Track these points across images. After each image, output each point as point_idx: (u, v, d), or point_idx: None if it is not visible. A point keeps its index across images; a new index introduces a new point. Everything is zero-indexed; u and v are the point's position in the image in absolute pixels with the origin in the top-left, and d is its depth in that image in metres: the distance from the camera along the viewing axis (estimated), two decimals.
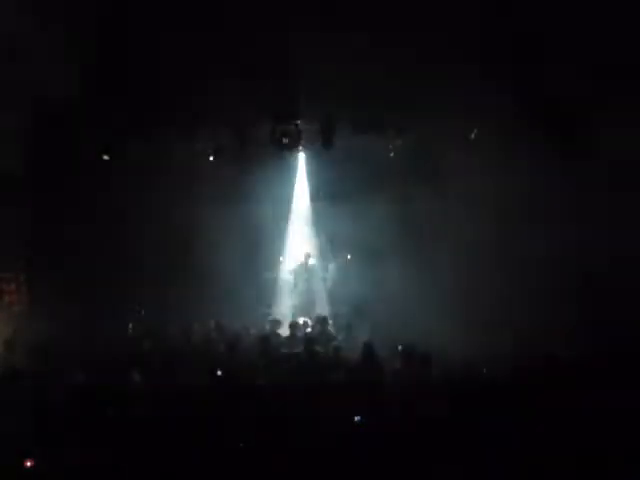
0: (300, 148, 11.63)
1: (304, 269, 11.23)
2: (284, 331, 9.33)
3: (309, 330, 8.94)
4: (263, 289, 11.45)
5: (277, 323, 9.41)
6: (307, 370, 6.92)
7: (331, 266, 11.72)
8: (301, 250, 11.43)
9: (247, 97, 9.55)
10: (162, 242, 10.65)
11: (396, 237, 10.59)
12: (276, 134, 10.53)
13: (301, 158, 11.87)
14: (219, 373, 6.57)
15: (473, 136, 10.58)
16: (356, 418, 5.31)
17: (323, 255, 11.77)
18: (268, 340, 8.22)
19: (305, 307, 11.05)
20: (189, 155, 10.92)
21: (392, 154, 11.26)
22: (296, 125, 10.27)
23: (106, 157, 10.62)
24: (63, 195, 10.23)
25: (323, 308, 10.89)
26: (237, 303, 10.43)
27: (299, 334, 8.93)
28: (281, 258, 11.79)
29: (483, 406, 5.33)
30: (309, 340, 8.25)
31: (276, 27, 8.90)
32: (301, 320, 10.01)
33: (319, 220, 11.79)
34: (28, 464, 4.78)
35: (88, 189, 10.45)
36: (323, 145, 10.42)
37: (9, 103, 8.69)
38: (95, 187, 10.53)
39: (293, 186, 11.94)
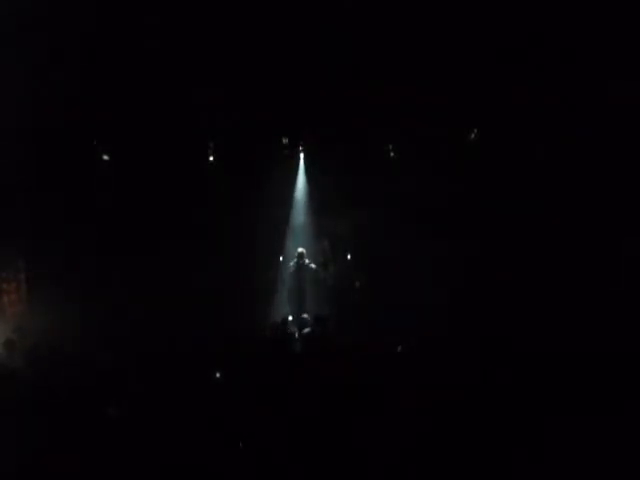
0: (300, 148, 11.68)
1: (298, 269, 11.20)
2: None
3: (307, 330, 8.91)
4: (262, 289, 11.43)
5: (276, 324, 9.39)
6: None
7: (331, 265, 11.71)
8: (297, 250, 11.39)
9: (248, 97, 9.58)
10: (163, 242, 10.63)
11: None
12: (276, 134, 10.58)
13: (301, 158, 11.88)
14: (218, 375, 6.57)
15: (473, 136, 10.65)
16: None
17: (323, 255, 11.75)
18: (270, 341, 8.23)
19: (299, 307, 11.04)
20: (187, 155, 10.91)
21: (392, 154, 11.30)
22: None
23: (106, 157, 10.66)
24: (63, 195, 10.22)
25: (320, 308, 10.87)
26: (236, 303, 10.43)
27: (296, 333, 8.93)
28: (281, 258, 11.78)
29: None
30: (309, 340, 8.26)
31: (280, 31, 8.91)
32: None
33: (319, 220, 11.77)
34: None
35: (88, 189, 10.46)
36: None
37: (9, 103, 8.69)
38: (95, 187, 10.54)
39: (293, 185, 11.93)
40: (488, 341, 7.33)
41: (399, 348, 7.43)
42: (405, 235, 10.57)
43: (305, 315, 10.40)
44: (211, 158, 11.14)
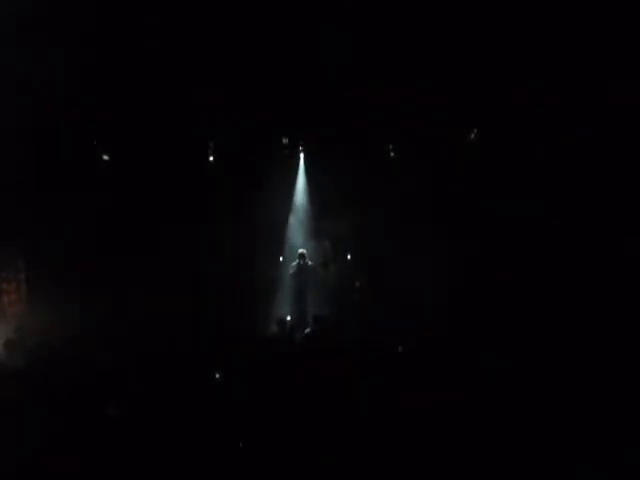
0: (300, 148, 11.69)
1: (300, 269, 11.21)
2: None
3: (308, 330, 8.94)
4: (262, 289, 11.43)
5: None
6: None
7: (331, 265, 11.72)
8: (299, 250, 11.39)
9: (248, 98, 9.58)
10: (163, 242, 10.63)
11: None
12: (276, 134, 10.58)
13: (301, 158, 11.89)
14: (217, 376, 6.56)
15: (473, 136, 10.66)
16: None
17: (323, 255, 11.76)
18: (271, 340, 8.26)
19: (300, 307, 11.04)
20: (187, 155, 10.91)
21: (392, 154, 11.31)
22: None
23: (106, 157, 10.67)
24: (63, 195, 10.22)
25: (321, 308, 10.89)
26: (236, 303, 10.44)
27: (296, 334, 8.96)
28: (281, 258, 11.79)
29: None
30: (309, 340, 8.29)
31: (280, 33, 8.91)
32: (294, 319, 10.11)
33: (319, 220, 11.78)
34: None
35: (88, 189, 10.46)
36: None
37: (9, 102, 8.69)
38: (95, 187, 10.54)
39: (293, 186, 11.94)
40: (488, 341, 7.33)
41: (400, 348, 7.43)
42: (405, 235, 10.58)
43: (306, 315, 10.45)
44: (211, 158, 11.15)
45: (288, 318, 10.14)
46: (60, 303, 9.54)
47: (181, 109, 9.78)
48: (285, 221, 11.84)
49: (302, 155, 11.82)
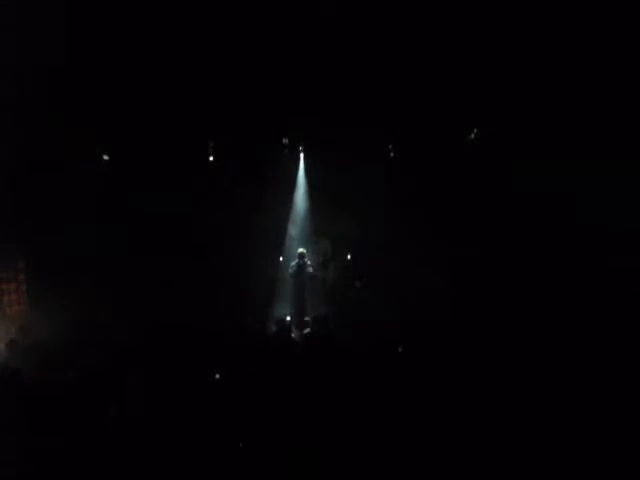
0: (300, 148, 11.70)
1: (299, 269, 11.21)
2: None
3: (307, 330, 8.94)
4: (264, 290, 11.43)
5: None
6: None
7: (331, 265, 11.73)
8: (299, 250, 11.40)
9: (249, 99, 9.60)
10: (163, 242, 10.63)
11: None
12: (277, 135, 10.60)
13: (301, 158, 11.90)
14: (217, 376, 6.57)
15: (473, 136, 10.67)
16: None
17: (323, 255, 11.77)
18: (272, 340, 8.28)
19: (301, 307, 11.05)
20: (188, 155, 10.92)
21: (392, 154, 11.32)
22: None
23: (106, 157, 10.67)
24: (63, 195, 10.22)
25: (321, 308, 10.88)
26: (236, 304, 10.44)
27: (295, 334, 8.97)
28: (281, 258, 11.79)
29: None
30: (309, 339, 8.29)
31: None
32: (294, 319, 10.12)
33: (319, 220, 11.79)
34: None
35: (88, 189, 10.46)
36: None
37: (8, 102, 8.68)
38: (95, 187, 10.54)
39: (293, 186, 11.95)
40: (488, 341, 7.34)
41: (400, 348, 7.44)
42: (405, 235, 10.58)
43: (306, 315, 10.46)
44: (211, 158, 11.16)
45: (288, 318, 10.16)
46: (60, 303, 9.54)
47: (181, 109, 9.78)
48: (285, 221, 11.85)
49: (302, 155, 11.84)
